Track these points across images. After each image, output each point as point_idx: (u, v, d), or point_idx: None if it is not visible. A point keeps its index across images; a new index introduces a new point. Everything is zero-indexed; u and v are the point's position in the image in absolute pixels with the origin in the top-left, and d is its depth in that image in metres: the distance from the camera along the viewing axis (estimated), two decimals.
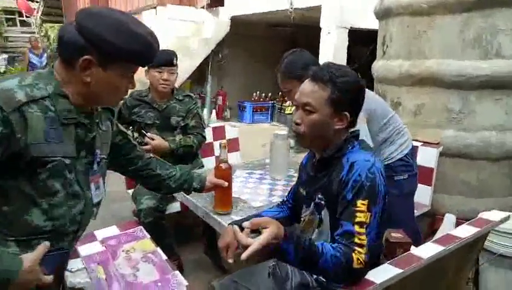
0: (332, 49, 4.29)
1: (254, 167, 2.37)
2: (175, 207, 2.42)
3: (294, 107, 1.28)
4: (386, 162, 2.00)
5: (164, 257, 1.81)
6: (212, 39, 6.20)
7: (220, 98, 7.34)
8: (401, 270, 1.14)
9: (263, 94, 6.90)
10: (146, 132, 2.34)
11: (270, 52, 7.53)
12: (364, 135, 1.64)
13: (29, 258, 0.97)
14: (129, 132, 1.52)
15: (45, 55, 7.96)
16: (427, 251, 1.26)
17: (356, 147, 1.22)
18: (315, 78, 1.20)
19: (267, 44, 7.04)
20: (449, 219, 2.34)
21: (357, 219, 1.08)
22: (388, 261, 1.20)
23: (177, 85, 2.66)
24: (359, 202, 1.10)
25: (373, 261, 1.19)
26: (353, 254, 1.04)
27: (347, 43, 4.39)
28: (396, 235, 1.42)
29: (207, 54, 6.31)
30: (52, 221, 1.04)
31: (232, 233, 1.35)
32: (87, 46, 0.97)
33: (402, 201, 2.00)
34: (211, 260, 2.42)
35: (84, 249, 1.81)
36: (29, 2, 13.82)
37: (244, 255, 0.96)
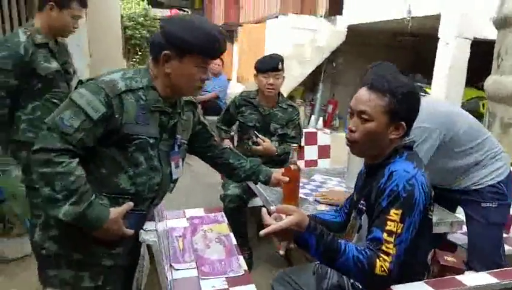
0: (449, 61, 3.95)
1: (333, 174, 2.42)
2: (257, 202, 2.61)
3: (348, 114, 1.33)
4: (474, 187, 1.87)
5: (235, 242, 2.03)
6: (326, 47, 6.29)
7: (331, 106, 7.34)
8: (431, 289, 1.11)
9: None
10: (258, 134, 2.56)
11: (390, 62, 7.22)
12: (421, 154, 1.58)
13: (116, 211, 1.27)
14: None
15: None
16: (476, 279, 1.19)
17: (402, 157, 1.23)
18: (372, 86, 1.22)
19: (387, 53, 6.77)
20: None
21: (388, 227, 1.10)
22: (426, 280, 1.18)
23: (287, 91, 2.87)
24: (392, 211, 1.11)
25: (409, 278, 1.18)
26: (377, 260, 1.07)
27: (468, 55, 3.98)
28: (449, 258, 1.35)
29: (321, 62, 6.42)
30: (135, 186, 1.32)
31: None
32: (166, 43, 1.24)
33: (486, 230, 1.83)
34: (283, 258, 2.55)
35: (173, 221, 2.15)
36: (180, 11, 15.98)
37: (261, 232, 1.08)
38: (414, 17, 4.39)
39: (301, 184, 1.98)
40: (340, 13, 6.13)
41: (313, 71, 6.53)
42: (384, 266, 1.07)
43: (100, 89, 1.21)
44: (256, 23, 7.88)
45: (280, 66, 2.55)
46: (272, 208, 1.17)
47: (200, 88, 1.39)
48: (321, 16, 6.42)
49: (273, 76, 2.52)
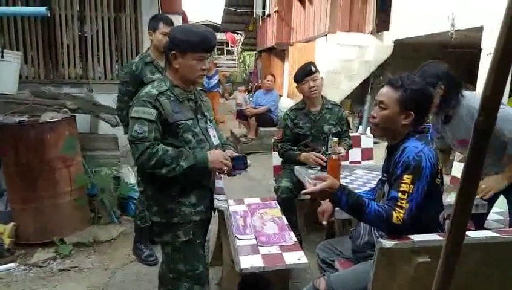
0: None
1: (374, 168, 2.74)
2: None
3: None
4: None
5: (286, 222, 2.42)
6: (373, 62, 6.55)
7: None
8: (440, 238, 1.43)
9: None
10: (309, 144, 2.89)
11: None
12: None
13: (213, 151, 1.75)
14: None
15: (216, 76, 8.57)
16: (479, 234, 1.48)
17: (412, 138, 1.57)
18: (389, 82, 1.61)
19: None
20: None
21: (401, 188, 1.45)
22: (437, 233, 1.50)
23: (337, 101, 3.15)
24: (405, 176, 1.46)
25: (425, 232, 1.50)
26: (393, 212, 1.43)
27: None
28: None
29: (367, 76, 6.69)
30: None
31: (329, 203, 1.87)
32: (172, 45, 1.72)
33: None
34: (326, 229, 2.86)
35: (234, 207, 2.60)
36: (235, 34, 16.99)
37: (302, 192, 1.48)
38: (458, 30, 4.56)
39: (342, 176, 2.34)
40: (387, 29, 6.38)
41: (361, 84, 6.80)
42: (399, 217, 1.42)
43: (145, 101, 1.70)
44: (306, 42, 8.33)
45: (313, 69, 2.87)
46: (312, 176, 1.57)
47: (202, 76, 1.81)
48: (369, 33, 6.71)
49: (310, 79, 2.85)
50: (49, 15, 3.14)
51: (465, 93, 2.03)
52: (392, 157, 1.59)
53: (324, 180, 1.49)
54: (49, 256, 2.92)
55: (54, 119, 3.10)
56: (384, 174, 1.65)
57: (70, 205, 3.17)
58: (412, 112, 1.56)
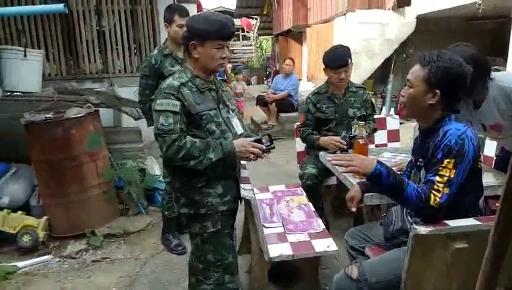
0: None
1: (402, 151, 2.66)
2: (332, 180, 2.93)
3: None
4: None
5: (313, 208, 2.39)
6: (395, 39, 6.32)
7: None
8: (478, 223, 1.37)
9: None
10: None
11: None
12: None
13: (238, 140, 1.74)
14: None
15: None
16: None
17: (452, 120, 1.49)
18: (419, 60, 1.52)
19: (460, 39, 6.57)
20: None
21: (440, 172, 1.39)
22: (476, 218, 1.43)
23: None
24: (446, 161, 1.40)
25: (464, 217, 1.44)
26: (431, 194, 1.37)
27: None
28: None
29: (390, 54, 6.46)
30: None
31: (357, 189, 1.83)
32: (191, 35, 1.68)
33: None
34: (354, 217, 2.81)
35: (259, 195, 2.59)
36: (250, 19, 16.73)
37: (341, 170, 1.46)
38: (485, 1, 4.33)
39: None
40: (408, 4, 6.13)
41: (383, 64, 6.59)
42: (436, 199, 1.36)
43: (167, 94, 1.68)
44: (324, 22, 8.12)
45: (349, 62, 2.72)
46: (328, 158, 1.52)
47: (221, 65, 1.78)
48: (389, 9, 6.46)
49: (343, 71, 2.71)
50: (67, 11, 3.16)
51: (495, 74, 1.93)
52: (428, 140, 1.52)
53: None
54: (82, 248, 3.01)
55: (79, 115, 3.14)
56: (420, 159, 1.58)
57: (99, 198, 3.24)
58: (438, 91, 1.48)
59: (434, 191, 1.38)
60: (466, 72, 1.49)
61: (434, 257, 1.38)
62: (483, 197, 1.55)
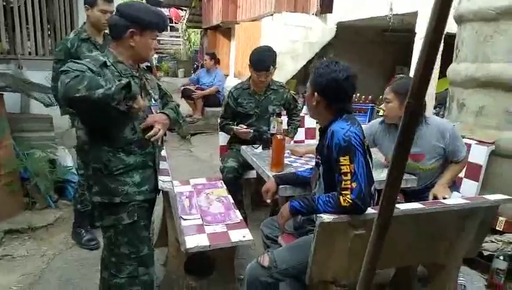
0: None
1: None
2: (252, 174, 3.01)
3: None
4: None
5: (232, 200, 2.45)
6: (317, 43, 6.70)
7: None
8: (374, 211, 1.53)
9: (363, 96, 7.01)
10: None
11: (379, 56, 7.62)
12: None
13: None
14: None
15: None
16: (407, 206, 1.61)
17: (339, 121, 1.63)
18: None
19: (374, 48, 7.20)
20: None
21: (343, 171, 1.53)
22: (371, 207, 1.60)
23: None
24: (342, 159, 1.54)
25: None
26: (340, 196, 1.50)
27: (440, 48, 4.34)
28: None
29: (311, 57, 6.83)
30: (137, 134, 1.71)
31: (272, 181, 1.92)
32: (130, 23, 1.65)
33: None
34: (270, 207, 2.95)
35: (180, 187, 2.57)
36: (179, 10, 16.30)
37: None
38: (396, 14, 4.79)
39: (285, 155, 2.38)
40: (330, 11, 6.52)
41: (305, 65, 6.93)
42: (346, 199, 1.48)
43: (86, 62, 1.60)
44: (252, 21, 8.27)
45: (271, 68, 2.84)
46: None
47: (153, 55, 1.83)
48: (313, 14, 6.81)
49: (264, 75, 2.84)
50: None
51: (430, 116, 2.23)
52: (323, 140, 1.67)
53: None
54: None
55: None
56: (318, 157, 1.72)
57: (0, 191, 2.94)
58: (316, 93, 1.65)
59: (342, 191, 1.51)
60: (339, 78, 1.61)
61: (337, 243, 1.51)
62: (374, 185, 1.69)
